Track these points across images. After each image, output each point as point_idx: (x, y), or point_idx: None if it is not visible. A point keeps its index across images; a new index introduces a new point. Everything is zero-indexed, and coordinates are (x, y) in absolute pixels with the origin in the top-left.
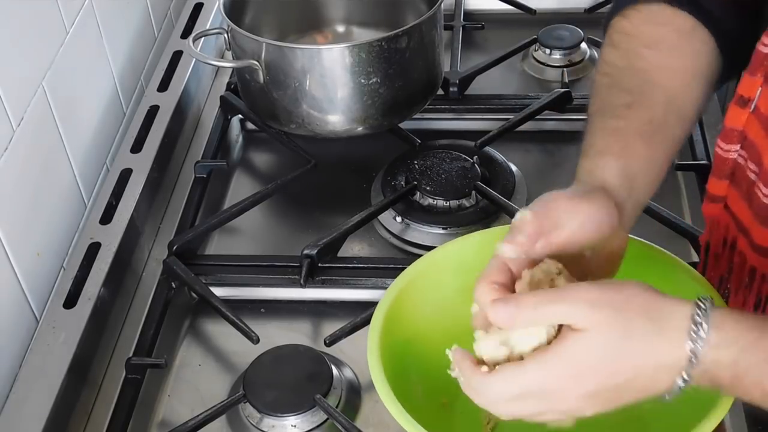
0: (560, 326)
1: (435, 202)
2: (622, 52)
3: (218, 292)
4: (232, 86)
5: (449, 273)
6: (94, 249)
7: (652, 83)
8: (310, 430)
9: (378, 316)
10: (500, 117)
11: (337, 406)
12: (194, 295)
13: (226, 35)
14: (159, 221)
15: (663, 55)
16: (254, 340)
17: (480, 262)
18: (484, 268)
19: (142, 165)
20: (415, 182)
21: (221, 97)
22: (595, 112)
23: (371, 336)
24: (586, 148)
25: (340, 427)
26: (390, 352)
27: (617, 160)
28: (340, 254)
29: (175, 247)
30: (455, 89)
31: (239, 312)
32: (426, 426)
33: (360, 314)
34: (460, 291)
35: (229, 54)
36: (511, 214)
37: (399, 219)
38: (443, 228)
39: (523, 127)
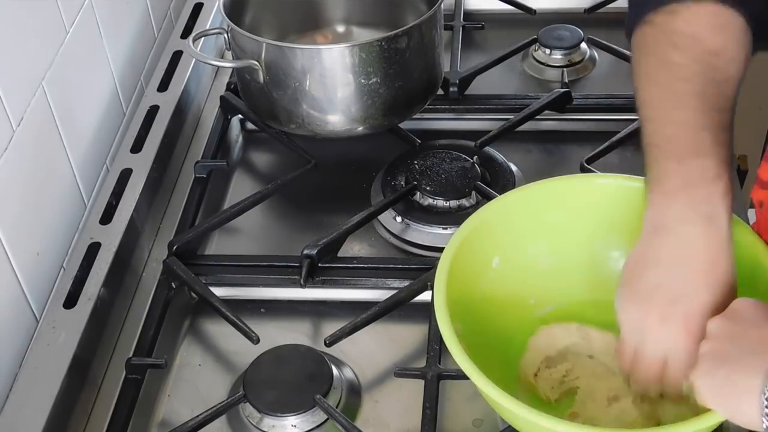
0: None
1: (435, 202)
2: (691, 55)
3: (218, 292)
4: (232, 86)
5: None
6: (94, 249)
7: (727, 98)
8: (310, 430)
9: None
10: (500, 117)
11: (337, 406)
12: (194, 295)
13: (226, 35)
14: (159, 221)
15: (726, 66)
16: (254, 340)
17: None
18: None
19: (142, 165)
20: (415, 182)
21: (221, 97)
22: (696, 120)
23: (438, 281)
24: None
25: (340, 427)
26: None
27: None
28: (340, 254)
29: (175, 247)
30: (455, 89)
31: (239, 312)
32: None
33: (360, 314)
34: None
35: (229, 54)
36: None
37: (399, 219)
38: (443, 228)
39: (523, 127)
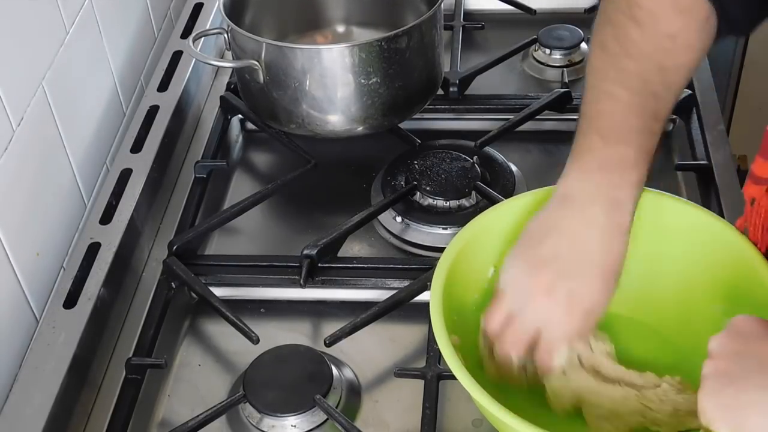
0: None
1: (435, 202)
2: (647, 34)
3: (218, 292)
4: (232, 86)
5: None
6: (94, 249)
7: (670, 86)
8: (310, 430)
9: (441, 267)
10: (500, 117)
11: (337, 406)
12: (194, 295)
13: (226, 35)
14: (159, 221)
15: (679, 52)
16: (254, 340)
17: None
18: None
19: (142, 165)
20: (415, 182)
21: (221, 97)
22: (619, 95)
23: (434, 291)
24: (614, 132)
25: (339, 427)
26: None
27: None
28: (340, 254)
29: (175, 247)
30: (455, 89)
31: (239, 312)
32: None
33: (360, 314)
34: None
35: (229, 54)
36: None
37: (399, 219)
38: (443, 228)
39: (523, 127)
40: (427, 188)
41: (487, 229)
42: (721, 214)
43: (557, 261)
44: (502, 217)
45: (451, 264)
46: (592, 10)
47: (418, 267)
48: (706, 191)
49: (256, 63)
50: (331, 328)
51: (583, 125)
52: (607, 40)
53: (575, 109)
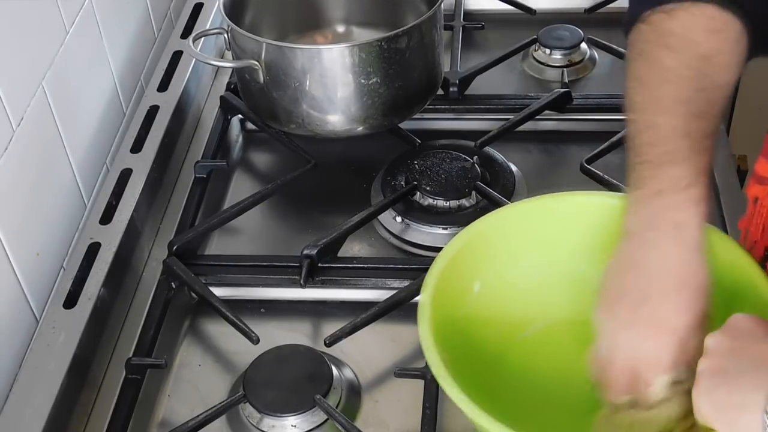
0: None
1: (435, 202)
2: (683, 59)
3: (218, 292)
4: (232, 86)
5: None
6: (94, 249)
7: (713, 104)
8: (310, 430)
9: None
10: (500, 117)
11: (337, 406)
12: (194, 295)
13: (226, 35)
14: (159, 221)
15: (717, 71)
16: (254, 340)
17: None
18: None
19: (142, 165)
20: (415, 182)
21: (221, 97)
22: (671, 122)
23: (423, 299)
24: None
25: (340, 428)
26: (440, 319)
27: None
28: (340, 254)
29: (175, 247)
30: (455, 89)
31: (239, 312)
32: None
33: (360, 314)
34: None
35: (229, 54)
36: None
37: (399, 219)
38: (443, 228)
39: (523, 127)
40: (427, 188)
41: (474, 242)
42: (721, 214)
43: (628, 295)
44: (485, 231)
45: (437, 280)
46: (592, 10)
47: (418, 267)
48: None
49: (256, 63)
50: (331, 328)
51: (632, 160)
52: (642, 72)
53: (575, 109)
